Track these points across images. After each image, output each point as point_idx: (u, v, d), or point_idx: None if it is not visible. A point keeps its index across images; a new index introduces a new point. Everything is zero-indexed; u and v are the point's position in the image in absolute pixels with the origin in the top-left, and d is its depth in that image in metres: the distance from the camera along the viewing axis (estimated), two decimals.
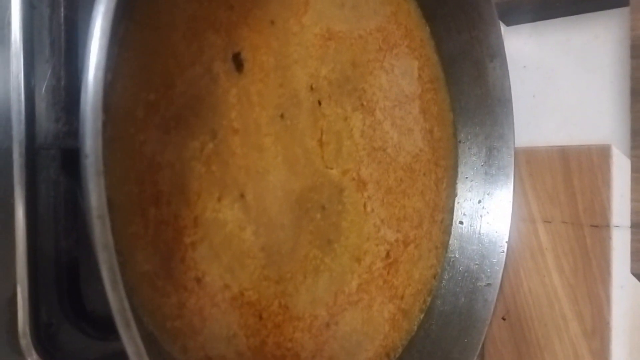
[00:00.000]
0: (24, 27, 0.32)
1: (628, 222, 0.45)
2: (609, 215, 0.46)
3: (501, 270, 0.48)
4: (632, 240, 0.44)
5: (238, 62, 0.34)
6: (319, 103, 0.40)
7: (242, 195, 0.33)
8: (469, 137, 0.50)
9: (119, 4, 0.28)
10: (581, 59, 0.48)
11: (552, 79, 0.49)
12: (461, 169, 0.50)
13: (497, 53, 0.47)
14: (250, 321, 0.34)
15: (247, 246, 0.34)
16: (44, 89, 0.33)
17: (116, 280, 0.24)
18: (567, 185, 0.48)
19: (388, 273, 0.45)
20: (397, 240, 0.45)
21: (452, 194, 0.50)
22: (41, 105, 0.32)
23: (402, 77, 0.46)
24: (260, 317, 0.35)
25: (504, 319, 0.51)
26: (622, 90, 0.46)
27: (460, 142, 0.50)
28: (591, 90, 0.47)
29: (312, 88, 0.39)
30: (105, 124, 0.29)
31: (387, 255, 0.45)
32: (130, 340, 0.24)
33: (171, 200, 0.31)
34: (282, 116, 0.37)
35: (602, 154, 0.46)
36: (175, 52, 0.31)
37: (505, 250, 0.48)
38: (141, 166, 0.30)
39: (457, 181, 0.50)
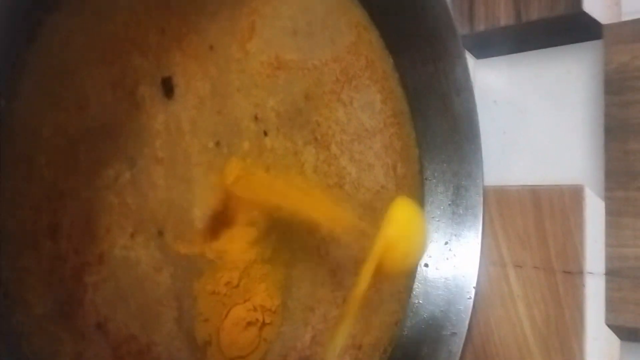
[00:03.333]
0: None
1: (602, 269, 0.39)
2: (582, 262, 0.40)
3: (467, 319, 0.42)
4: (607, 289, 0.39)
5: (167, 88, 0.30)
6: (265, 134, 0.35)
7: (160, 233, 0.29)
8: (436, 175, 0.45)
9: (15, 26, 0.24)
10: (553, 94, 0.43)
11: (524, 115, 0.44)
12: (427, 208, 0.45)
13: (464, 87, 0.43)
14: None
15: (162, 291, 0.29)
16: None
17: None
18: (538, 227, 0.43)
19: None
20: (355, 284, 0.40)
21: None
22: None
23: (361, 110, 0.41)
24: None
25: None
26: (595, 127, 0.41)
27: (426, 179, 0.45)
28: (564, 128, 0.43)
29: (256, 118, 0.35)
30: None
31: (344, 301, 0.39)
32: None
33: (72, 232, 0.26)
34: (217, 144, 0.32)
35: (575, 195, 0.41)
36: (92, 73, 0.27)
37: (472, 296, 0.43)
38: (39, 192, 0.25)
39: None
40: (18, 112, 0.25)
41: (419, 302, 0.44)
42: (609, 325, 0.39)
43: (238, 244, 0.32)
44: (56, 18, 0.27)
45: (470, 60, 0.45)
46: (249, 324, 0.33)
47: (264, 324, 0.34)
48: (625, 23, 0.40)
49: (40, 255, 0.25)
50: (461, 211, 0.44)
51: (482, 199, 0.44)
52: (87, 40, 0.28)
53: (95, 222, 0.27)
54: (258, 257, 0.33)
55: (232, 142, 0.33)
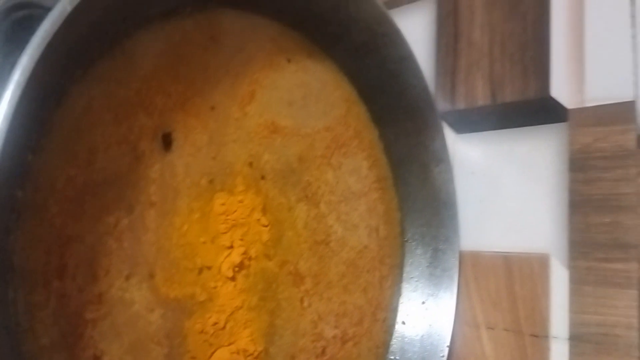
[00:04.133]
0: None
1: (567, 334, 0.41)
2: (547, 326, 0.42)
3: None
4: (571, 353, 0.41)
5: (167, 141, 0.33)
6: (262, 177, 0.38)
7: (151, 276, 0.31)
8: (416, 237, 0.48)
9: (45, 92, 0.28)
10: (524, 170, 0.46)
11: (498, 187, 0.47)
12: (407, 268, 0.48)
13: (442, 158, 0.46)
14: None
15: (153, 330, 0.31)
16: None
17: None
18: (509, 292, 0.45)
19: None
20: (334, 337, 0.42)
21: (396, 293, 0.47)
22: None
23: (349, 174, 0.44)
24: None
25: None
26: (561, 201, 0.44)
27: (406, 241, 0.48)
28: (533, 200, 0.45)
29: (251, 164, 0.37)
30: (19, 196, 0.28)
31: (323, 351, 0.41)
32: None
33: (77, 273, 0.29)
34: (210, 182, 0.35)
35: (541, 263, 0.43)
36: (103, 132, 0.31)
37: (445, 355, 0.44)
38: (50, 237, 0.28)
39: (402, 280, 0.47)
40: (40, 166, 0.28)
41: (395, 359, 0.45)
42: None
43: (227, 289, 0.34)
44: (81, 86, 0.30)
45: (451, 134, 0.49)
46: None
47: None
48: (588, 108, 0.43)
49: (49, 292, 0.28)
50: (438, 273, 0.47)
51: (458, 262, 0.46)
52: (104, 104, 0.31)
53: (97, 265, 0.29)
54: (244, 304, 0.35)
55: (226, 180, 0.36)
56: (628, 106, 0.42)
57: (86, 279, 0.29)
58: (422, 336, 0.46)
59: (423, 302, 0.46)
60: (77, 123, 0.30)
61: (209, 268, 0.34)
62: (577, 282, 0.42)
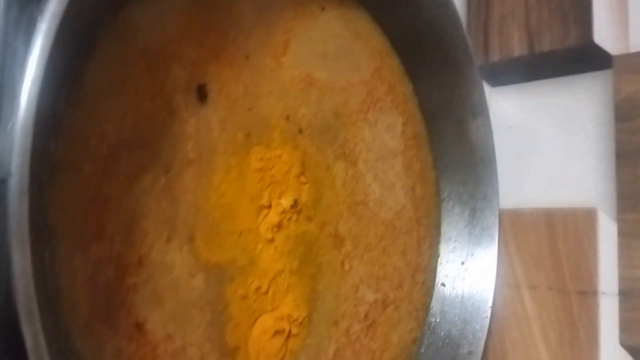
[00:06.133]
0: None
1: (616, 289, 0.39)
2: (595, 282, 0.40)
3: (484, 337, 0.42)
4: (620, 309, 0.39)
5: (202, 94, 0.30)
6: (300, 131, 0.35)
7: (191, 239, 0.29)
8: (452, 196, 0.45)
9: (75, 43, 0.25)
10: (565, 121, 0.44)
11: (537, 141, 0.45)
12: (444, 228, 0.45)
13: (480, 112, 0.43)
14: None
15: (196, 296, 0.28)
16: None
17: (32, 311, 0.20)
18: (552, 249, 0.43)
19: (365, 336, 0.39)
20: (376, 301, 0.40)
21: (434, 254, 0.45)
22: None
23: (385, 131, 0.42)
24: None
25: None
26: (606, 152, 0.41)
27: (443, 200, 0.45)
28: (576, 153, 0.43)
29: (288, 118, 0.35)
30: (53, 149, 0.25)
31: (366, 316, 0.39)
32: None
33: (115, 236, 0.26)
34: (247, 135, 0.32)
35: (588, 217, 0.41)
36: (137, 85, 0.28)
37: (488, 315, 0.42)
38: (86, 197, 0.25)
39: (439, 241, 0.45)
40: (73, 120, 0.26)
41: (436, 321, 0.43)
42: (623, 346, 0.39)
43: (268, 252, 0.32)
44: (112, 34, 0.27)
45: (485, 88, 0.46)
46: (277, 332, 0.32)
47: (290, 334, 0.33)
48: (634, 54, 0.41)
49: (88, 256, 0.25)
50: (477, 232, 0.44)
51: (497, 220, 0.44)
52: (137, 55, 0.28)
53: (135, 226, 0.27)
54: (286, 268, 0.33)
55: (263, 134, 0.33)
56: None
57: (125, 242, 0.26)
58: (462, 297, 0.43)
59: (462, 263, 0.44)
60: (109, 75, 0.27)
61: (249, 230, 0.31)
62: (627, 236, 0.39)
